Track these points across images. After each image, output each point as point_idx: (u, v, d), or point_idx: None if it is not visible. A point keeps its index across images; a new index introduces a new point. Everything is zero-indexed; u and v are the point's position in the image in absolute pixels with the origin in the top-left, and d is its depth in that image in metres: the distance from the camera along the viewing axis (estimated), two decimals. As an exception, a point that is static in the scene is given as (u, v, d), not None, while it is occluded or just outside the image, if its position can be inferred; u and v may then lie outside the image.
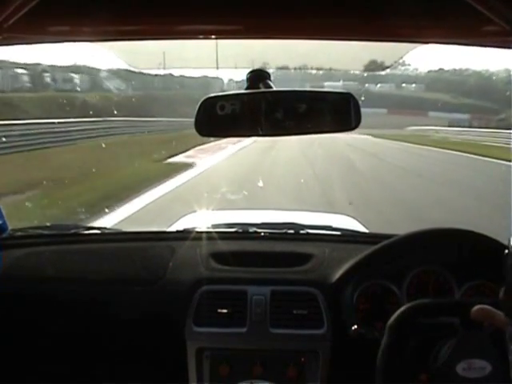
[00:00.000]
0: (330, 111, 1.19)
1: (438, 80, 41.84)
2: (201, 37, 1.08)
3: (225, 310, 1.52)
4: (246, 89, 1.15)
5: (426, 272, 1.52)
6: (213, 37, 1.09)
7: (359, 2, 0.96)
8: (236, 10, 0.96)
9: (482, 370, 1.04)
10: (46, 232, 1.82)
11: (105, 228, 1.91)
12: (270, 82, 1.16)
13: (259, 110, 1.13)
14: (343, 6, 0.95)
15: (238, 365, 1.51)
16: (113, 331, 1.58)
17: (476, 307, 0.87)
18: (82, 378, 1.64)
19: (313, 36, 1.11)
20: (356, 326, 1.47)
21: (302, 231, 1.83)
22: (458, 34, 1.05)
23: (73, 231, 1.83)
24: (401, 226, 3.65)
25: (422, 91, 43.49)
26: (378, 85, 38.04)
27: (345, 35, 1.10)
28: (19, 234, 1.80)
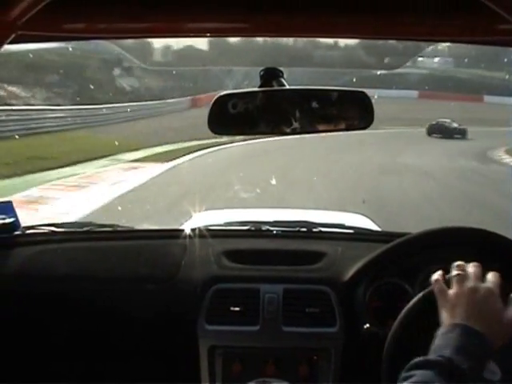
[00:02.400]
0: (343, 109, 1.18)
1: (471, 53, 31.33)
2: (208, 35, 1.08)
3: (237, 308, 1.52)
4: (259, 87, 1.15)
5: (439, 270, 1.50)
6: (221, 35, 1.08)
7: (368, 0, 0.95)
8: (241, 8, 0.96)
9: (492, 374, 1.02)
10: (58, 229, 1.82)
11: (117, 226, 1.92)
12: (283, 80, 1.15)
13: (272, 108, 1.12)
14: (351, 4, 0.94)
15: (250, 363, 1.51)
16: (125, 329, 1.58)
17: None
18: (95, 375, 1.64)
19: (319, 34, 1.09)
20: (368, 325, 1.46)
21: (314, 229, 1.82)
22: (469, 32, 1.02)
23: (85, 229, 1.84)
24: None
25: (452, 67, 33.58)
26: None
27: (352, 33, 1.09)
28: (31, 231, 1.81)
